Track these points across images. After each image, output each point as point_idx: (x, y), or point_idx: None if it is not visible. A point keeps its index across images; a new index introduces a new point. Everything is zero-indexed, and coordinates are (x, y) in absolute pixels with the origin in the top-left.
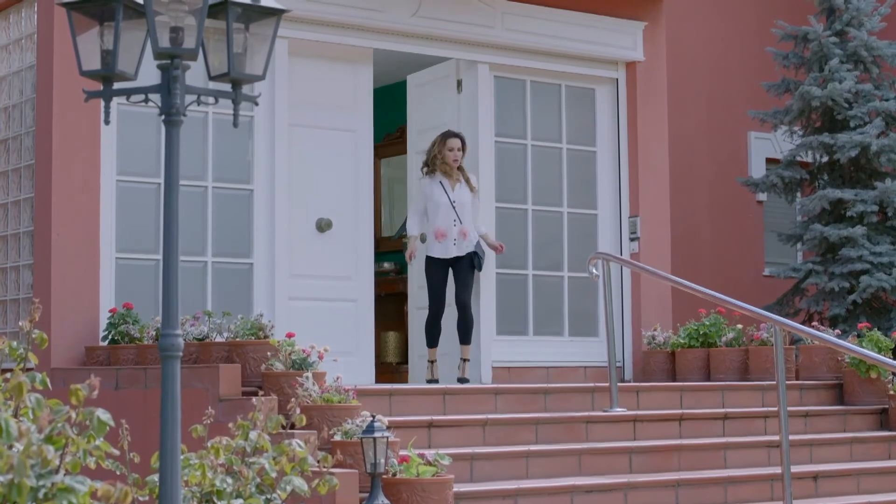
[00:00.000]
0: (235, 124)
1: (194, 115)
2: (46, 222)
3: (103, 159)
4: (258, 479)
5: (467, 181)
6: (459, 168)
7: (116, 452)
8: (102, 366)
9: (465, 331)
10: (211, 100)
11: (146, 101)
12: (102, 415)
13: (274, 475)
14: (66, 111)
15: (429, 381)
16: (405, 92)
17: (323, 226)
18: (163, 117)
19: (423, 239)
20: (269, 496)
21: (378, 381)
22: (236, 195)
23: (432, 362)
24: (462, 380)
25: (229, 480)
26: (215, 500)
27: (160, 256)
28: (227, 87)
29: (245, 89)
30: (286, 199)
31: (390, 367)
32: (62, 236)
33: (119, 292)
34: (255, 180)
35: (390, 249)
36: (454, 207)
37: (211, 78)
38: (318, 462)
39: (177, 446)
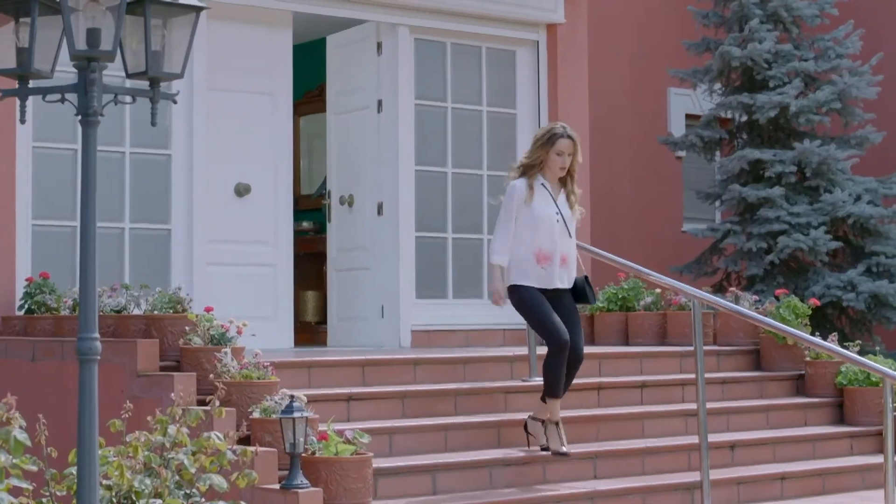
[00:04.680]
0: (154, 123)
1: (111, 80)
2: None
3: (18, 126)
4: (177, 476)
5: (569, 194)
6: (566, 177)
7: (34, 468)
8: (19, 336)
9: (555, 379)
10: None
11: (62, 100)
12: (19, 434)
13: (193, 471)
14: None
15: (552, 452)
16: (325, 49)
17: (241, 190)
18: (79, 117)
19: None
20: (188, 491)
21: (297, 342)
22: (154, 160)
23: (556, 424)
24: (560, 453)
25: (147, 482)
26: (134, 498)
27: (78, 223)
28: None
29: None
30: (204, 164)
31: (309, 327)
32: None
33: (36, 260)
34: (173, 145)
35: (309, 207)
36: (563, 221)
37: (129, 76)
38: (238, 455)
39: (94, 452)
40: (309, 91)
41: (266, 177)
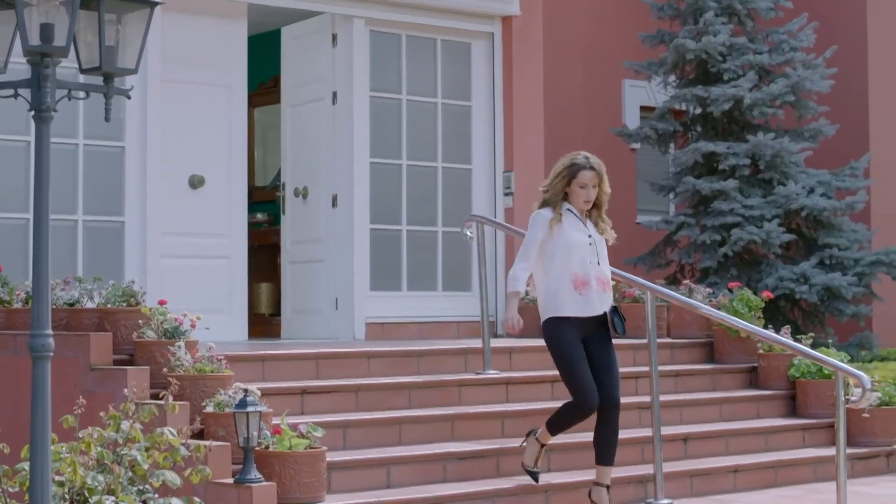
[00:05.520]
0: (108, 118)
1: (65, 72)
2: None
3: None
4: (130, 473)
5: (597, 222)
6: (595, 209)
7: None
8: None
9: (609, 443)
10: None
11: (15, 96)
12: None
13: (146, 467)
14: None
15: (529, 472)
16: (280, 40)
17: (196, 182)
18: (32, 113)
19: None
20: (141, 487)
21: (251, 335)
22: (108, 152)
23: (542, 446)
24: (534, 476)
25: (100, 478)
26: (87, 495)
27: (31, 216)
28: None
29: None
30: (158, 156)
31: (263, 319)
32: None
33: None
34: (127, 137)
35: (264, 199)
36: (592, 245)
37: (82, 71)
38: (191, 450)
39: (47, 448)
40: (263, 83)
41: (220, 169)
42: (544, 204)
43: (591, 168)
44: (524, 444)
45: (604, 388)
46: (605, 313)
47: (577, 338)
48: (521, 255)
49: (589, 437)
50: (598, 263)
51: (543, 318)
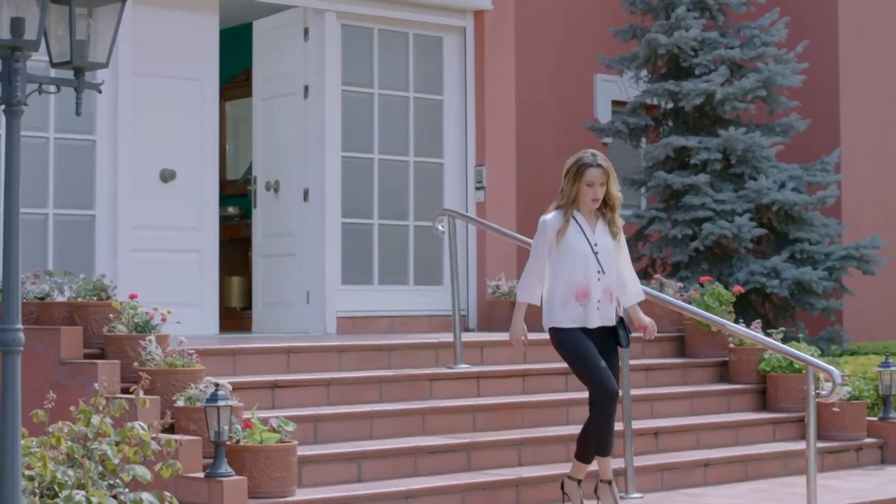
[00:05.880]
0: (78, 112)
1: (35, 66)
2: None
3: None
4: (100, 467)
5: (610, 224)
6: (603, 207)
7: None
8: None
9: (605, 436)
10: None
11: None
12: None
13: (116, 462)
14: None
15: None
16: (252, 34)
17: (167, 176)
18: (3, 107)
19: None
20: (111, 482)
21: (222, 328)
22: (78, 146)
23: (609, 483)
24: None
25: (70, 473)
26: (57, 490)
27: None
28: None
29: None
30: (129, 150)
31: (234, 313)
32: None
33: None
34: (98, 131)
35: (235, 193)
36: (597, 255)
37: (53, 65)
38: (162, 445)
39: (17, 443)
40: (235, 76)
41: (191, 162)
42: (557, 208)
43: (598, 165)
44: (564, 494)
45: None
46: (613, 323)
47: (582, 334)
48: (528, 264)
49: (560, 431)
50: (604, 273)
51: (548, 324)
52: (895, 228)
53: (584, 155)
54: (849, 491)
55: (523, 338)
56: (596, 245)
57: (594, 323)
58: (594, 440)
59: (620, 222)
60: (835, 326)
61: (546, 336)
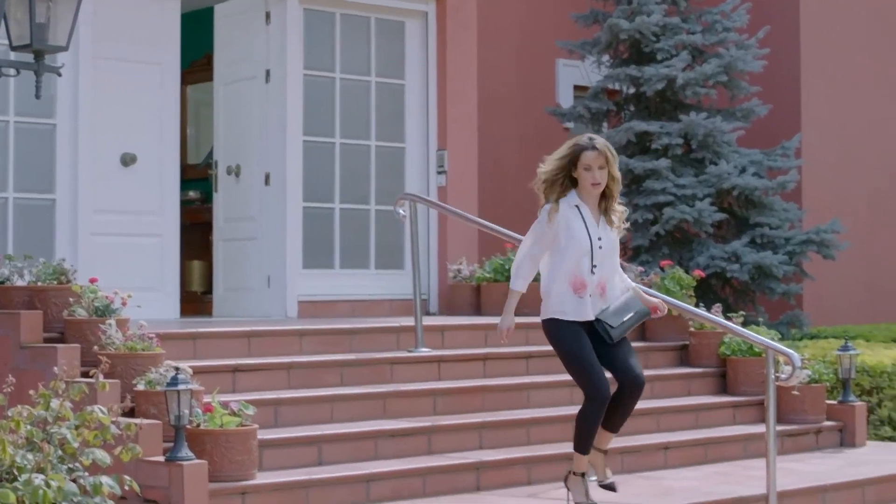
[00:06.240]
0: (38, 95)
1: None
2: None
3: None
4: (60, 451)
5: (609, 219)
6: (606, 198)
7: None
8: None
9: (624, 415)
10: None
11: None
12: None
13: (76, 445)
14: None
15: None
16: (214, 17)
17: (128, 160)
18: None
19: None
20: (71, 466)
21: (183, 312)
22: (39, 129)
23: (583, 475)
24: (608, 485)
25: (30, 457)
26: (16, 473)
27: None
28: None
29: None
30: (90, 134)
31: (195, 297)
32: None
33: None
34: (59, 114)
35: (196, 177)
36: (592, 248)
37: (13, 48)
38: (122, 429)
39: None
40: (196, 60)
41: (152, 146)
42: (546, 189)
43: (595, 148)
44: (567, 488)
45: (629, 370)
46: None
47: (580, 330)
48: (525, 248)
49: (521, 415)
50: (598, 267)
51: (544, 315)
52: (855, 213)
53: (581, 138)
54: (808, 474)
55: (508, 333)
56: (600, 239)
57: (587, 316)
58: (575, 434)
59: (621, 209)
60: (795, 311)
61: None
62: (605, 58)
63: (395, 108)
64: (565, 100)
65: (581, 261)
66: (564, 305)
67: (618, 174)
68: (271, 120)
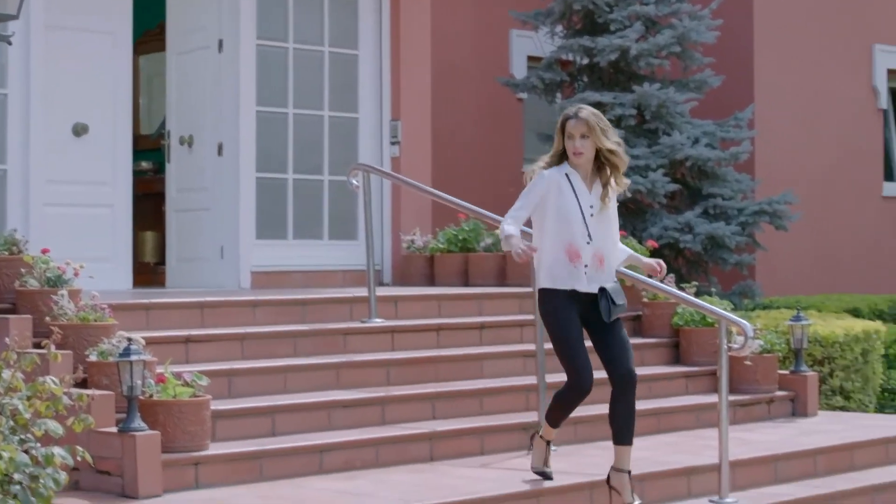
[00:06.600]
0: None
1: None
2: None
3: None
4: (11, 422)
5: (605, 190)
6: (605, 166)
7: None
8: None
9: (626, 420)
10: None
11: None
12: None
13: (28, 416)
14: None
15: (539, 473)
16: None
17: (80, 130)
18: None
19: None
20: (23, 437)
21: (136, 283)
22: None
23: (548, 443)
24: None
25: None
26: None
27: None
28: None
29: None
30: (41, 104)
31: (148, 268)
32: None
33: None
34: (9, 84)
35: (148, 148)
36: (585, 218)
37: None
38: (74, 399)
39: None
40: (149, 30)
41: (105, 117)
42: (548, 165)
43: (576, 116)
44: (530, 448)
45: (619, 364)
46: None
47: (574, 311)
48: (511, 210)
49: (475, 385)
50: (592, 239)
51: (538, 285)
52: (807, 184)
53: (569, 108)
54: (760, 443)
55: (530, 249)
56: (591, 207)
57: (581, 287)
58: (549, 409)
59: (624, 181)
60: (747, 281)
61: (460, 290)
62: (559, 28)
63: (348, 79)
64: (519, 70)
65: (574, 229)
66: (556, 271)
67: (612, 145)
68: (224, 90)
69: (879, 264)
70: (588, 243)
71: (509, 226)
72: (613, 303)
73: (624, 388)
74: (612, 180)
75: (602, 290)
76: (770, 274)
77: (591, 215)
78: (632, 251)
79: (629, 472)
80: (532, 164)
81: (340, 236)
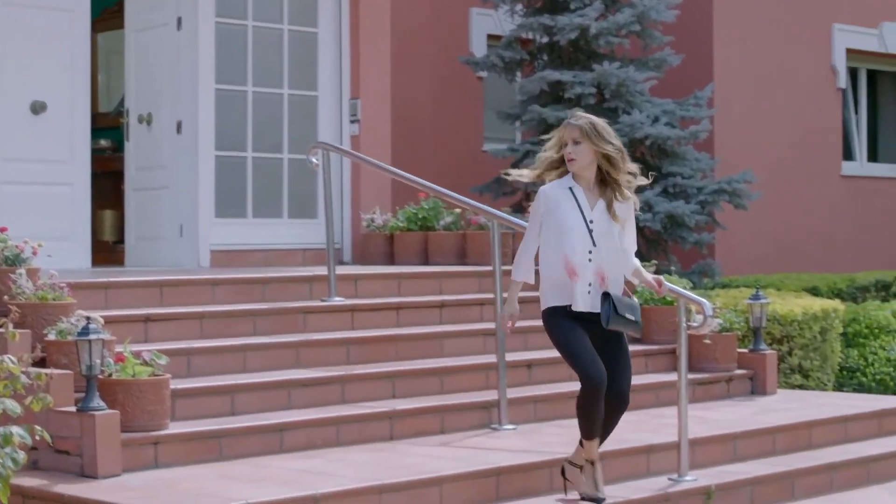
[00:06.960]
0: None
1: None
2: None
3: None
4: None
5: (609, 203)
6: (608, 182)
7: None
8: None
9: (606, 432)
10: None
11: None
12: None
13: None
14: None
15: (591, 499)
16: None
17: (37, 108)
18: None
19: None
20: None
21: (95, 262)
22: None
23: (592, 464)
24: (594, 499)
25: None
26: None
27: None
28: None
29: None
30: None
31: (107, 247)
32: None
33: None
34: None
35: (107, 126)
36: (588, 232)
37: None
38: (32, 379)
39: None
40: (107, 7)
41: (63, 94)
42: (542, 172)
43: (568, 123)
44: (567, 483)
45: (615, 383)
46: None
47: (573, 323)
48: (522, 244)
49: (434, 364)
50: (597, 255)
51: (543, 306)
52: (767, 164)
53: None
54: (719, 421)
55: (512, 321)
56: (591, 223)
57: (580, 306)
58: (579, 424)
59: (630, 196)
60: (707, 260)
61: (420, 268)
62: (519, 6)
63: (307, 57)
64: (479, 49)
65: (575, 245)
66: (556, 290)
67: (610, 151)
68: (183, 68)
69: (838, 244)
70: (590, 260)
71: (518, 270)
72: (616, 311)
73: (614, 408)
74: (616, 193)
75: (606, 294)
76: (729, 253)
77: (593, 231)
78: (639, 266)
79: (594, 462)
80: (520, 168)
81: (300, 215)
